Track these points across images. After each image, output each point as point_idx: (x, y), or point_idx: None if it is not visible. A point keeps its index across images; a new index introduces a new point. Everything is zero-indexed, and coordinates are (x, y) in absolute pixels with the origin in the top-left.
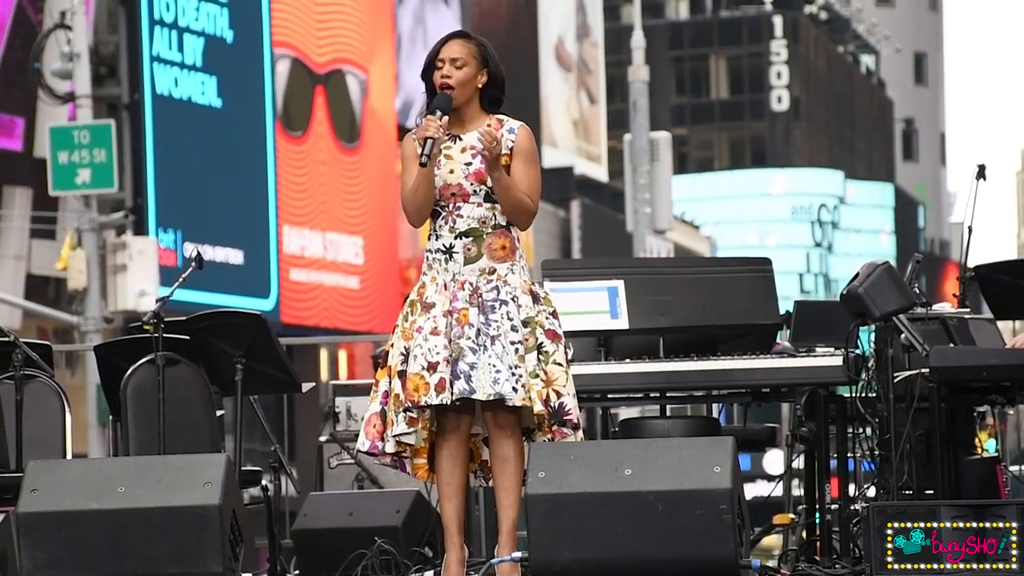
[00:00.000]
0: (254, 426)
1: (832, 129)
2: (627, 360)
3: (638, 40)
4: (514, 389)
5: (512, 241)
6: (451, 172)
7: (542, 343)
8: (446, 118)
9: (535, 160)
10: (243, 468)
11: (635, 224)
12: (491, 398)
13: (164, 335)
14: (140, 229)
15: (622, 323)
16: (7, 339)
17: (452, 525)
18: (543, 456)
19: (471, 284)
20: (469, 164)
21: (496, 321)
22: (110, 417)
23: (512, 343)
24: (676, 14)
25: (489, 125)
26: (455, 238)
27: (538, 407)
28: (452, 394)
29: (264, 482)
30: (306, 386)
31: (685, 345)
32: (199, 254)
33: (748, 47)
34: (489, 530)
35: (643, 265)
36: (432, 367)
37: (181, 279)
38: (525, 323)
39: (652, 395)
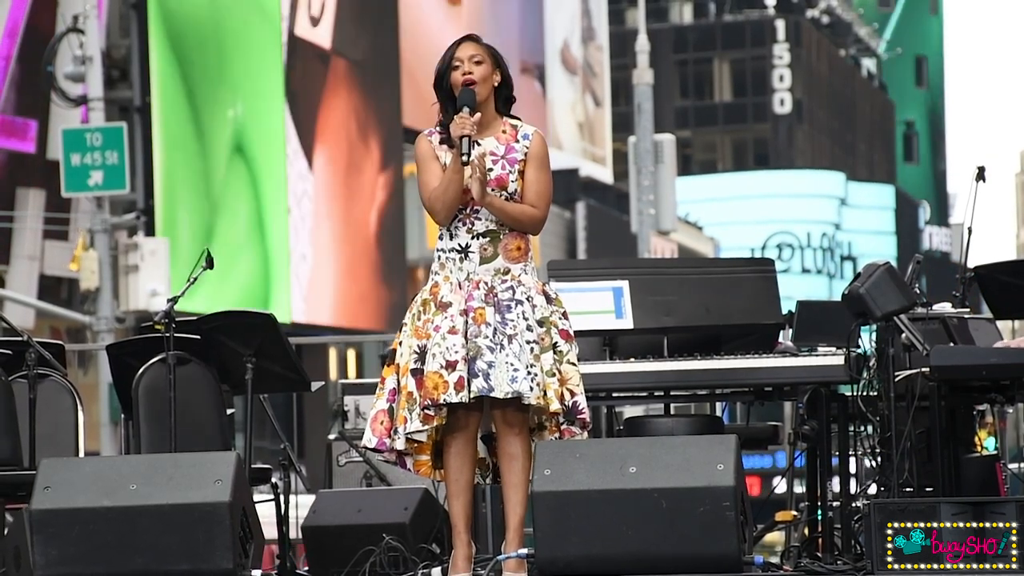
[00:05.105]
0: (264, 424)
1: (834, 131)
2: (631, 359)
3: (642, 44)
4: (530, 388)
5: (526, 242)
6: (470, 177)
7: (556, 342)
8: (478, 114)
9: (547, 166)
10: (253, 466)
11: (639, 225)
12: (509, 396)
13: (175, 335)
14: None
15: (627, 323)
16: (20, 338)
17: (459, 522)
18: (549, 454)
19: (486, 284)
20: (490, 169)
21: (512, 320)
22: (122, 415)
23: (528, 342)
24: (680, 18)
25: (504, 131)
26: (472, 238)
27: (555, 405)
28: (470, 392)
29: (274, 479)
30: (315, 385)
31: (689, 344)
32: (209, 254)
33: (751, 50)
34: (496, 527)
35: (647, 265)
36: (451, 365)
37: (191, 279)
38: (540, 323)
39: (656, 394)
